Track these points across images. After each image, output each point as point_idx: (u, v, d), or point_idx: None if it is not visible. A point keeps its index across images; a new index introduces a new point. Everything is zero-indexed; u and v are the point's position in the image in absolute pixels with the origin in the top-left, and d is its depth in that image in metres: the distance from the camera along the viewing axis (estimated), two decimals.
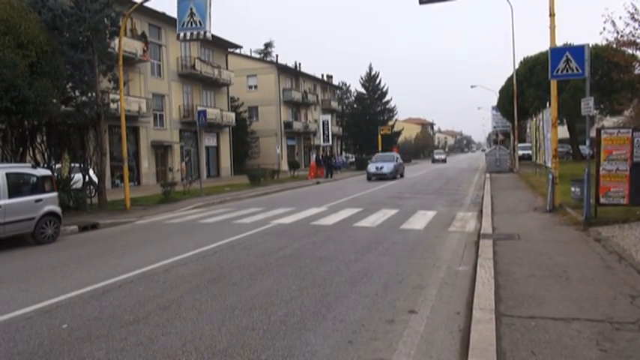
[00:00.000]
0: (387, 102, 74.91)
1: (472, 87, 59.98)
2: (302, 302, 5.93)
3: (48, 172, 12.17)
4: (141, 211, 16.64)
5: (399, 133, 77.00)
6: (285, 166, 46.56)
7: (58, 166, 17.25)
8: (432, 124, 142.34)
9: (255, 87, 52.48)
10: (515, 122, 34.13)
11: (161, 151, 34.91)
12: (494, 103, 44.14)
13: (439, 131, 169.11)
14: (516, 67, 34.22)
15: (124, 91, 19.82)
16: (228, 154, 43.14)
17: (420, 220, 12.35)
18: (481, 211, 13.28)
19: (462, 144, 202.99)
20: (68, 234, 12.61)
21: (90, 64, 17.13)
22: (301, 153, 57.94)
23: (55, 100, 14.75)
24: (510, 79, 35.99)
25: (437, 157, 65.39)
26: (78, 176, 17.54)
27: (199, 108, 30.39)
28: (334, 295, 6.16)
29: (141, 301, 6.19)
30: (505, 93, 38.44)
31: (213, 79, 39.31)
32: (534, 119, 24.31)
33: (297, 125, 54.76)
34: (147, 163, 32.99)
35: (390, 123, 74.00)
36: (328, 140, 47.35)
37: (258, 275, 7.32)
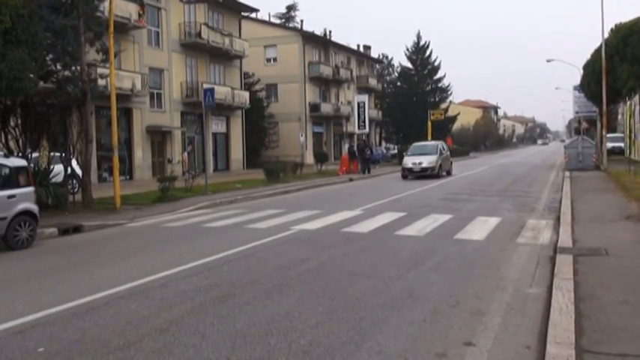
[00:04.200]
0: (440, 79, 74.36)
1: (548, 61, 58.88)
2: (330, 328, 5.92)
3: (23, 163, 12.47)
4: (133, 212, 16.91)
5: (454, 119, 76.43)
6: (310, 159, 46.66)
7: (35, 155, 17.65)
8: (496, 108, 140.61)
9: (275, 60, 52.74)
10: (604, 107, 33.34)
11: (159, 138, 35.43)
12: (577, 81, 43.24)
13: (505, 117, 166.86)
14: (606, 36, 33.44)
15: (115, 65, 20.15)
16: (240, 142, 43.51)
17: (479, 229, 12.21)
18: (558, 219, 13.04)
19: (535, 133, 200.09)
20: (46, 238, 12.91)
21: (74, 30, 17.45)
22: (330, 142, 58.01)
23: (32, 75, 15.06)
24: (598, 51, 35.18)
25: (411, 163, 30.19)
26: (58, 168, 17.90)
27: (206, 86, 30.68)
28: (371, 321, 6.14)
29: (132, 322, 6.28)
30: (591, 69, 37.58)
31: (223, 50, 39.66)
32: (628, 103, 23.73)
33: (326, 108, 54.82)
34: (141, 153, 33.54)
35: (443, 106, 73.49)
36: (364, 127, 47.21)
37: (275, 293, 7.35)
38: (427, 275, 8.18)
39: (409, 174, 29.65)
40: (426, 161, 29.41)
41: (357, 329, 5.88)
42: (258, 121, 47.28)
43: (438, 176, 29.04)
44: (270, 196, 22.01)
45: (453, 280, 7.86)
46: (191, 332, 5.90)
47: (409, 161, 30.06)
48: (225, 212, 16.75)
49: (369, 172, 35.79)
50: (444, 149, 31.81)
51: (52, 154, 17.76)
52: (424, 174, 28.93)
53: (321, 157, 39.57)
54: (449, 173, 31.67)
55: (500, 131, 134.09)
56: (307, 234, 12.17)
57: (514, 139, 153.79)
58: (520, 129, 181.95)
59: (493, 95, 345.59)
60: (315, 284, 7.76)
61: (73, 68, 17.85)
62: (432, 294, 7.17)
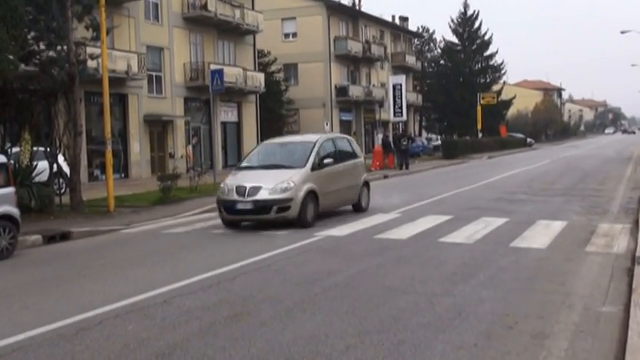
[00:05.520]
0: (491, 56, 73.81)
1: (622, 33, 57.82)
2: (362, 353, 5.90)
3: (2, 159, 12.63)
4: (130, 216, 17.06)
5: (508, 103, 75.81)
6: None
7: (15, 150, 17.87)
8: (559, 90, 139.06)
9: (294, 35, 52.75)
10: None
11: (158, 128, 35.67)
12: None
13: (570, 100, 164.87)
14: None
15: (107, 43, 20.31)
16: (254, 133, 43.59)
17: (541, 235, 12.12)
18: (637, 223, 12.89)
19: (606, 119, 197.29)
20: (29, 246, 13.06)
21: (60, 4, 17.61)
22: (361, 132, 57.87)
23: (11, 57, 15.27)
24: None
25: (236, 188, 14.43)
26: (43, 165, 18.10)
27: (213, 67, 30.78)
28: (411, 344, 6.11)
29: (130, 345, 6.33)
30: None
31: (233, 25, 39.76)
32: None
33: (356, 91, 54.71)
34: (138, 147, 33.81)
35: (496, 88, 72.92)
36: (401, 114, 46.98)
37: (297, 312, 7.36)
38: (478, 290, 8.12)
39: (232, 214, 14.51)
40: (271, 184, 14.15)
41: (395, 355, 5.85)
42: (275, 108, 47.35)
43: (303, 221, 14.08)
44: None
45: (510, 297, 7.80)
46: (198, 357, 5.92)
47: (233, 183, 14.67)
48: None
49: (407, 167, 35.66)
50: (333, 153, 16.16)
51: (35, 148, 17.95)
52: (264, 217, 14.23)
53: None
54: (359, 208, 16.75)
55: (565, 118, 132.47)
56: (334, 241, 12.16)
57: (581, 127, 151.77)
58: (589, 115, 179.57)
59: (556, 75, 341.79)
60: (345, 301, 7.74)
61: (59, 48, 18.01)
62: (485, 313, 7.12)
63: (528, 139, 77.08)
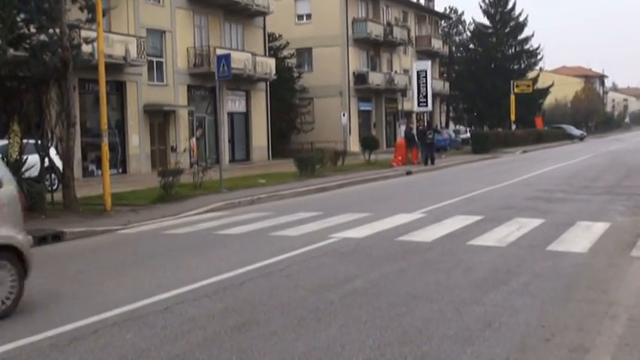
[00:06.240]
0: (526, 40, 73.60)
1: None
2: None
3: None
4: (128, 215, 17.13)
5: (545, 92, 75.48)
6: (355, 146, 46.60)
7: (3, 142, 17.99)
8: (602, 77, 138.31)
9: (309, 17, 52.74)
10: None
11: (159, 119, 35.80)
12: None
13: (614, 88, 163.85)
14: None
15: (104, 26, 20.38)
16: (264, 125, 43.69)
17: (581, 238, 12.07)
18: None
19: None
20: None
21: None
22: (382, 124, 57.86)
23: None
24: None
25: None
26: (33, 159, 18.20)
27: (219, 51, 30.82)
28: (436, 358, 6.11)
29: (127, 356, 6.35)
30: None
31: (241, 6, 39.82)
32: None
33: (376, 78, 54.64)
34: (137, 140, 33.94)
35: (531, 75, 72.68)
36: (426, 103, 46.81)
37: (311, 321, 7.35)
38: (511, 299, 8.10)
39: None
40: None
41: None
42: (286, 97, 47.40)
43: None
44: (303, 194, 22.06)
45: (546, 306, 7.77)
46: None
47: None
48: (245, 215, 16.85)
49: (432, 162, 35.62)
50: None
51: (25, 141, 18.06)
52: None
53: (369, 144, 39.47)
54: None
55: (608, 108, 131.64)
56: (352, 244, 12.15)
57: (626, 119, 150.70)
58: (635, 105, 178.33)
59: (598, 60, 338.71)
60: (363, 310, 7.73)
61: (51, 31, 18.09)
62: (518, 323, 7.09)
63: (580, 132, 76.85)
